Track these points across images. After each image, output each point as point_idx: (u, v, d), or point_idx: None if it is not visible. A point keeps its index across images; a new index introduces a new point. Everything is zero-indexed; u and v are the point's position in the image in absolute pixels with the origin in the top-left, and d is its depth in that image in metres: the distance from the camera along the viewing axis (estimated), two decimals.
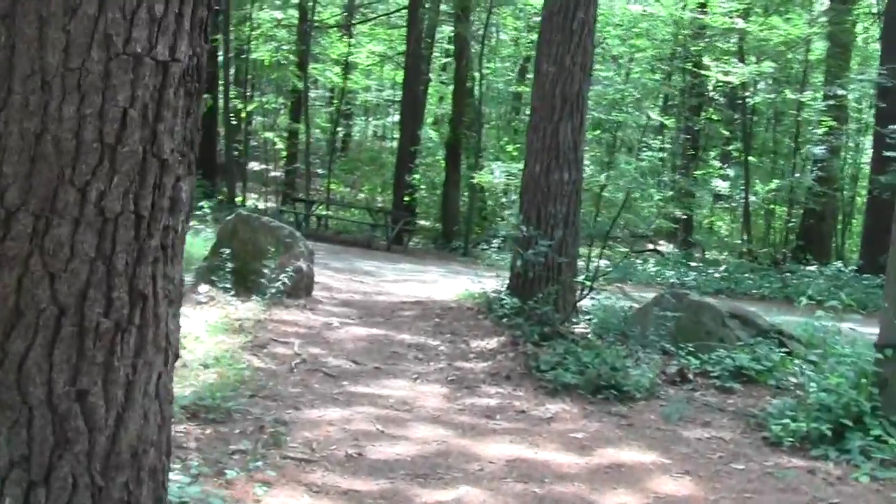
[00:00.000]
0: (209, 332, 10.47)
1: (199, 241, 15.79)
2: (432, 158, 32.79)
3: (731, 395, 9.88)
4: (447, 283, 17.05)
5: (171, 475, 6.10)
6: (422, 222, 32.55)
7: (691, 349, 10.67)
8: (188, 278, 13.33)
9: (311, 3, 31.31)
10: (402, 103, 30.75)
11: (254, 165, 36.91)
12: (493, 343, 11.41)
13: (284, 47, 33.37)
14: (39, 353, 3.52)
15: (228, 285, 12.53)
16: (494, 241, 23.12)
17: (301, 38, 31.70)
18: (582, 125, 12.95)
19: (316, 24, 33.05)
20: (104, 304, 3.57)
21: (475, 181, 26.74)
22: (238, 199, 30.64)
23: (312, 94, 39.82)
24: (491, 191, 30.87)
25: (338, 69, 34.50)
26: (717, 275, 23.11)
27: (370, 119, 45.61)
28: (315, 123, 35.82)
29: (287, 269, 12.70)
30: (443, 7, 31.73)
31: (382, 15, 35.45)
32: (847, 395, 8.39)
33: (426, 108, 34.44)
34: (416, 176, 30.16)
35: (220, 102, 30.23)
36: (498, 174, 25.04)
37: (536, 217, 12.61)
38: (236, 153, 32.89)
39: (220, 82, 30.33)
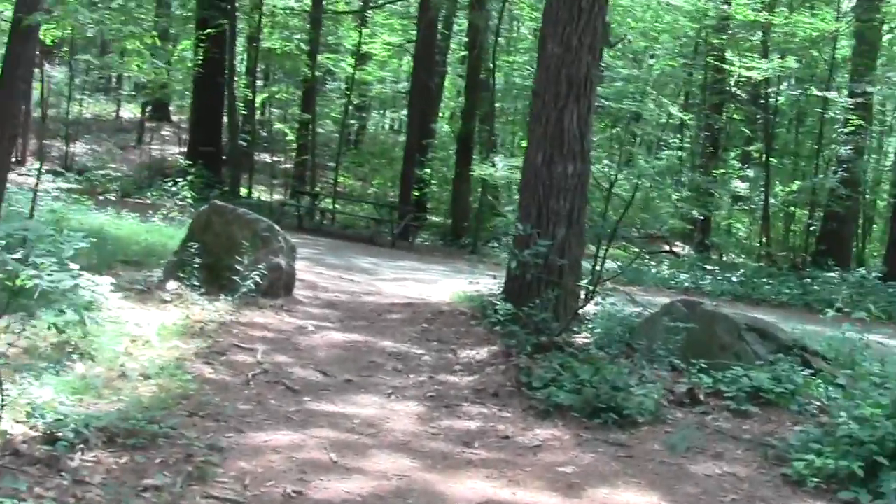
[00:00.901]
0: (162, 337, 9.22)
1: (179, 233, 14.55)
2: (445, 152, 31.48)
3: (746, 420, 8.51)
4: (447, 284, 15.75)
5: None
6: (433, 218, 31.22)
7: (703, 366, 9.30)
8: (156, 273, 12.12)
9: None
10: (411, 95, 29.31)
11: (266, 157, 35.71)
12: (482, 353, 10.10)
13: (297, 36, 32.04)
14: None
15: (197, 282, 11.31)
16: (504, 239, 21.90)
17: (313, 26, 30.39)
18: (589, 112, 11.56)
19: (329, 12, 31.81)
20: None
21: (475, 174, 25.29)
22: (245, 191, 29.41)
23: (330, 85, 38.59)
24: (504, 186, 29.52)
25: (352, 60, 33.14)
26: (734, 279, 21.68)
27: (386, 112, 44.26)
28: (326, 115, 34.51)
29: (262, 266, 11.42)
30: None
31: (391, 2, 34.07)
32: (883, 428, 7.08)
33: (441, 101, 33.10)
34: (428, 170, 28.83)
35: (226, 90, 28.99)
36: (500, 167, 23.50)
37: (537, 213, 11.28)
38: (246, 143, 31.68)
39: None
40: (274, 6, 31.81)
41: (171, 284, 11.44)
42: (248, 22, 31.90)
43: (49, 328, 7.50)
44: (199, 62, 27.68)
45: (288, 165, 35.50)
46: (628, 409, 8.18)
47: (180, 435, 6.61)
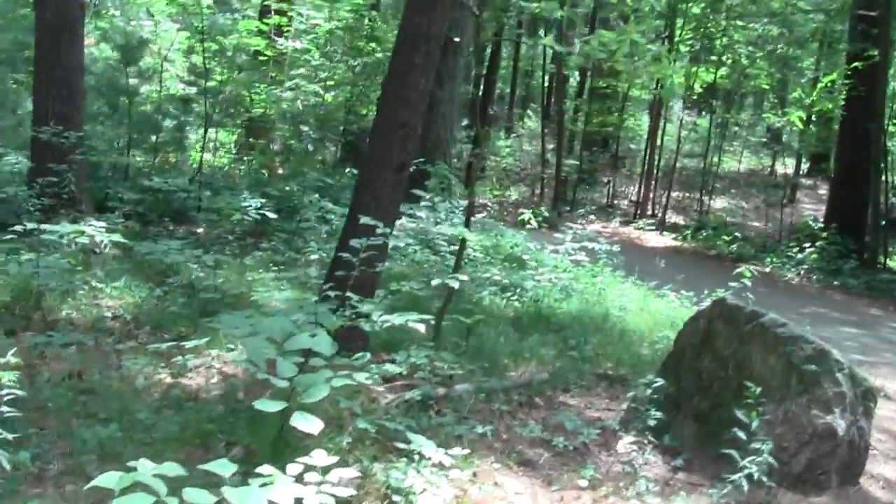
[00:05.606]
0: None
1: None
2: None
3: None
4: None
5: None
6: None
7: None
8: (613, 414, 6.61)
9: None
10: None
11: None
12: None
13: None
14: None
15: (675, 442, 5.72)
16: None
17: None
18: None
19: None
20: None
21: None
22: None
23: None
24: None
25: None
26: None
27: None
28: None
29: (784, 430, 5.49)
30: None
31: None
32: None
33: None
34: None
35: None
36: None
37: None
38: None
39: None
40: None
41: (625, 442, 5.89)
42: None
43: None
44: (843, 104, 21.25)
45: None
46: None
47: None
